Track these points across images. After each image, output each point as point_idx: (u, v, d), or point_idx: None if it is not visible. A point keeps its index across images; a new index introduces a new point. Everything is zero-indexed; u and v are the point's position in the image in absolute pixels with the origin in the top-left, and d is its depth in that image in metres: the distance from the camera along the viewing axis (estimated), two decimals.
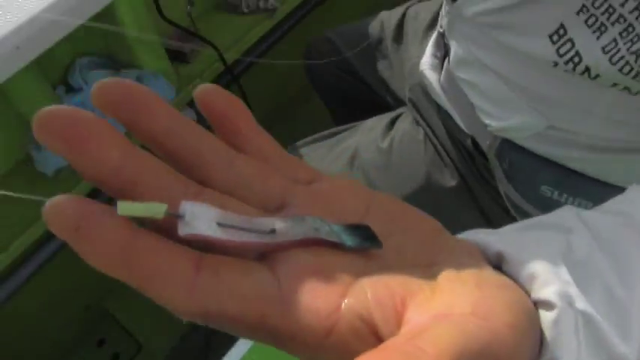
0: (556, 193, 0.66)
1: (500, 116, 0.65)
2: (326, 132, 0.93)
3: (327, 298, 0.21)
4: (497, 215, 0.78)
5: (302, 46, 1.15)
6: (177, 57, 1.14)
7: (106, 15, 0.85)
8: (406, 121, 0.84)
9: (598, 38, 0.50)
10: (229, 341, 0.67)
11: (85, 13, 0.80)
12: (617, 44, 0.50)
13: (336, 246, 0.22)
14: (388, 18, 0.99)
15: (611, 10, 0.49)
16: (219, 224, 0.20)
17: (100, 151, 0.20)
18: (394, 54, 0.96)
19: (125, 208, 0.19)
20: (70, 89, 0.99)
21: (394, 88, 0.97)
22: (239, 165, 0.24)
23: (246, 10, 1.21)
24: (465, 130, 0.72)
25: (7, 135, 0.94)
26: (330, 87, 1.12)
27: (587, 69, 0.52)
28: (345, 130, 0.92)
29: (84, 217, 0.19)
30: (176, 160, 0.23)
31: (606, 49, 0.50)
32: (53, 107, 0.20)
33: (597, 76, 0.52)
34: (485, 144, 0.70)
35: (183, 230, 0.20)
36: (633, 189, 0.31)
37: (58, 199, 0.19)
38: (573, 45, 0.52)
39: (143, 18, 0.97)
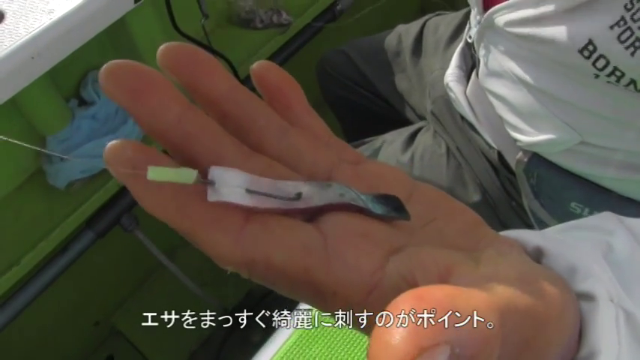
0: (587, 210, 0.64)
1: (529, 131, 0.63)
2: None
3: (372, 257, 0.21)
4: None
5: (315, 61, 1.14)
6: None
7: (118, 28, 0.84)
8: (427, 135, 0.82)
9: (633, 54, 0.47)
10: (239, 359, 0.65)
11: (99, 25, 0.79)
12: None
13: (363, 212, 0.23)
14: (406, 31, 0.98)
15: None
16: (248, 191, 0.21)
17: (162, 102, 0.21)
18: (412, 67, 0.95)
19: (155, 172, 0.19)
20: (83, 102, 0.97)
21: (413, 101, 0.96)
22: (292, 135, 0.24)
23: (259, 25, 1.20)
24: (492, 143, 0.70)
25: (19, 148, 0.93)
26: (344, 100, 1.11)
27: (633, 82, 0.49)
28: (362, 144, 0.90)
29: (142, 157, 0.20)
30: (231, 125, 0.24)
31: None
32: (119, 60, 0.21)
33: None
34: (512, 159, 0.68)
35: (211, 197, 0.20)
36: None
37: (118, 141, 0.20)
38: (608, 62, 0.49)
39: (156, 31, 0.96)
